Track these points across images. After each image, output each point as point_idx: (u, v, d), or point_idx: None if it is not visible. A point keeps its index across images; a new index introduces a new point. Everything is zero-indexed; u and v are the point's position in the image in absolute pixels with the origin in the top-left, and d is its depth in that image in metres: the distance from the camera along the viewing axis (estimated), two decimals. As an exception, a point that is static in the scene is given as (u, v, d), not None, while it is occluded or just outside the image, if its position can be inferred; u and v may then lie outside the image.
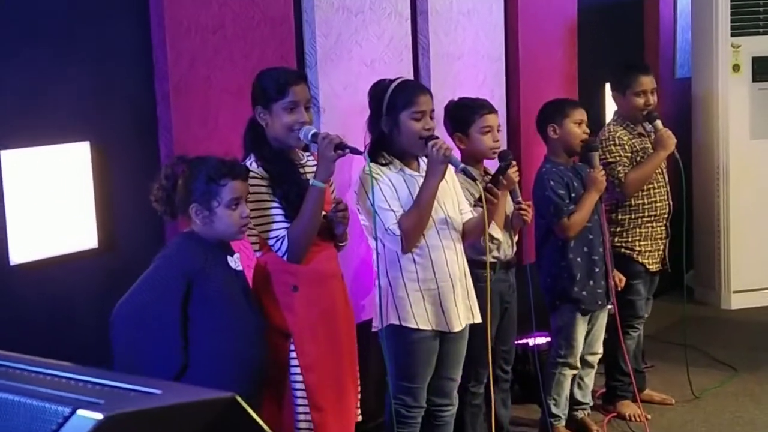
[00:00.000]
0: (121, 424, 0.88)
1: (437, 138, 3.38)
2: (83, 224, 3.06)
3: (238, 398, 0.94)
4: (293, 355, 3.08)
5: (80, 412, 0.89)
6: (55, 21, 2.99)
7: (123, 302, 2.78)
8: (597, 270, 4.14)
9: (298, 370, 3.07)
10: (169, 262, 2.81)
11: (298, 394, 3.08)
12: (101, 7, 3.12)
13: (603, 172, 4.16)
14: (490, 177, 3.71)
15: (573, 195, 4.10)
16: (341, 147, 3.03)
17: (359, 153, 3.17)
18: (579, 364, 4.25)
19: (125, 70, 3.20)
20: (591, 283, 4.13)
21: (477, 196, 3.62)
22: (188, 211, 2.83)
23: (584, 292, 4.12)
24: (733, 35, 6.09)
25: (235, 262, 2.90)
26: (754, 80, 6.14)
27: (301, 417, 3.08)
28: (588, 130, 4.18)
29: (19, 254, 2.87)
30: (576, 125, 4.14)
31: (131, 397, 0.94)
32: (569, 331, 4.18)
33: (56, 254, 2.99)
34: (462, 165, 3.45)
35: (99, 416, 0.88)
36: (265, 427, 0.98)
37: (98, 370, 1.00)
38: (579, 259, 4.12)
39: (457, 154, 3.73)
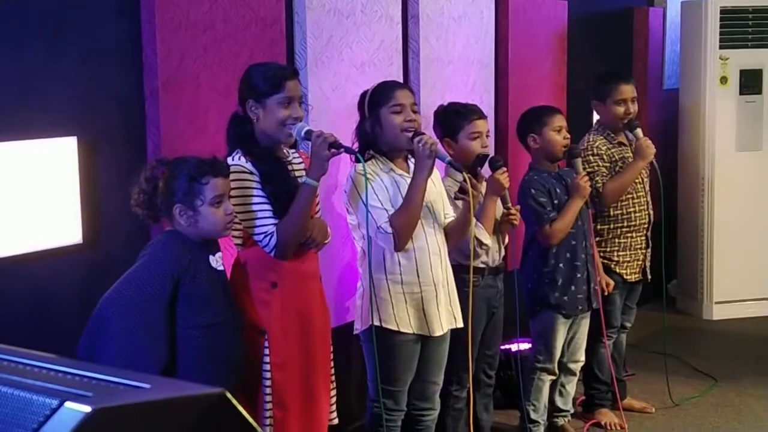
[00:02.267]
0: (110, 418, 0.87)
1: (423, 134, 3.39)
2: (68, 219, 3.04)
3: (227, 394, 0.94)
4: (266, 351, 3.07)
5: (68, 404, 0.89)
6: (45, 16, 2.98)
7: (109, 298, 2.76)
8: (579, 275, 4.14)
9: (268, 367, 3.07)
10: (156, 261, 2.80)
11: (267, 391, 3.07)
12: (92, 2, 3.11)
13: (587, 179, 4.16)
14: (470, 166, 3.69)
15: (556, 202, 4.11)
16: (336, 146, 3.03)
17: (353, 153, 3.18)
18: (557, 371, 4.26)
19: (114, 65, 3.19)
20: (572, 288, 4.14)
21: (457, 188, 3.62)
22: (172, 212, 2.82)
23: (565, 297, 4.13)
24: (721, 48, 6.13)
25: (216, 261, 2.89)
26: (741, 93, 6.18)
27: (267, 413, 3.06)
28: (569, 136, 4.17)
29: (2, 248, 2.86)
30: (556, 132, 4.13)
31: (120, 390, 0.93)
32: (549, 337, 4.18)
33: (40, 249, 2.97)
34: (448, 158, 3.47)
35: (87, 409, 0.87)
36: (253, 422, 0.98)
37: (87, 363, 0.99)
38: (561, 265, 4.12)
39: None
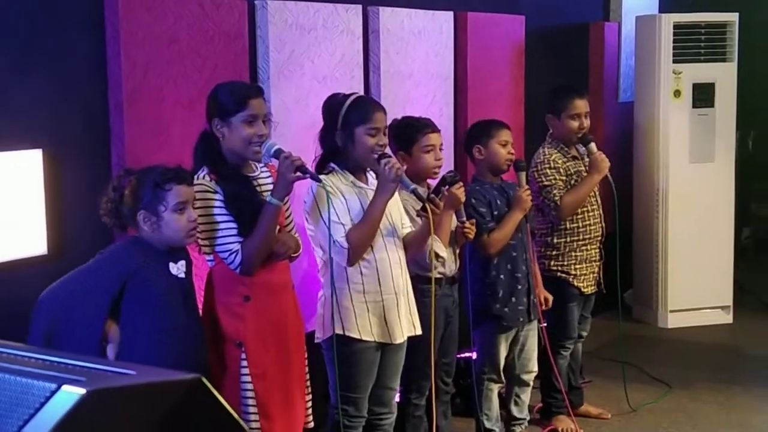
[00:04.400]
0: (102, 399, 0.98)
1: (390, 156, 3.46)
2: (33, 231, 3.09)
3: (203, 379, 1.04)
4: (244, 363, 3.13)
5: (65, 387, 0.99)
6: (11, 30, 3.02)
7: (55, 286, 2.84)
8: (519, 287, 4.21)
9: (248, 378, 3.13)
10: (107, 260, 2.88)
11: (249, 402, 3.13)
12: (56, 16, 3.16)
13: (528, 192, 4.22)
14: (433, 188, 3.80)
15: (496, 213, 4.18)
16: (302, 170, 3.08)
17: (318, 180, 3.23)
18: (503, 378, 4.32)
19: (79, 79, 3.24)
20: (513, 299, 4.20)
21: (419, 207, 3.70)
22: (136, 219, 2.88)
23: (506, 309, 4.19)
24: (674, 62, 6.26)
25: (177, 269, 2.95)
26: (694, 106, 6.31)
27: (253, 425, 3.13)
28: (513, 151, 4.25)
29: (-32, 259, 2.90)
30: (501, 146, 4.19)
31: (109, 376, 1.04)
32: (492, 349, 4.25)
33: (5, 260, 3.01)
34: (413, 186, 3.54)
35: (82, 391, 0.97)
36: (227, 405, 1.07)
37: (78, 355, 1.09)
38: (502, 276, 4.18)
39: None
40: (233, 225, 3.10)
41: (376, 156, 3.43)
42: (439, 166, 3.93)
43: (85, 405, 0.95)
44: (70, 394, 0.96)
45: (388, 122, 4.00)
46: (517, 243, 4.21)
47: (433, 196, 3.63)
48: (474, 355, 4.44)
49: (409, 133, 3.94)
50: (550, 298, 4.49)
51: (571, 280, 4.58)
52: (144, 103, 3.36)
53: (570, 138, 4.58)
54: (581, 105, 4.59)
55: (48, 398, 0.96)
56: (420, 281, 3.77)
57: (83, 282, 2.83)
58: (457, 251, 4.05)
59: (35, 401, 0.96)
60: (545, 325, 4.47)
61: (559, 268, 4.57)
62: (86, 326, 2.80)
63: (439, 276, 3.91)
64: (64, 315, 2.80)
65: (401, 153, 3.94)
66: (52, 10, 3.14)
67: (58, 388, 0.98)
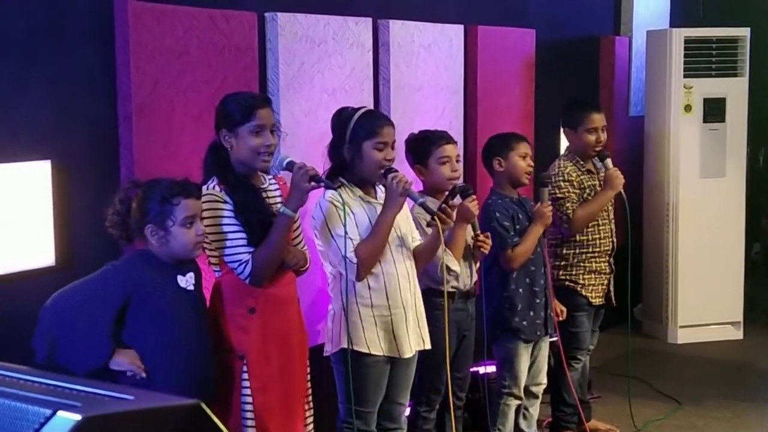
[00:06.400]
0: (98, 425, 0.96)
1: (397, 171, 3.46)
2: (41, 242, 3.08)
3: (203, 405, 1.03)
4: (245, 376, 3.11)
5: (60, 413, 0.97)
6: (20, 40, 3.02)
7: (59, 295, 2.83)
8: (538, 301, 4.21)
9: (249, 391, 3.11)
10: (113, 272, 2.87)
11: (248, 415, 3.11)
12: (66, 26, 3.16)
13: (550, 207, 4.25)
14: (443, 198, 3.78)
15: (517, 227, 4.18)
16: (316, 179, 3.09)
17: (333, 187, 3.23)
18: (523, 395, 4.32)
19: (89, 90, 3.24)
20: (531, 313, 4.20)
21: (428, 219, 3.68)
22: (144, 233, 2.87)
23: (524, 322, 4.19)
24: (685, 76, 6.24)
25: (186, 281, 2.94)
26: (704, 121, 6.29)
27: None
28: (532, 164, 4.26)
29: (-24, 270, 2.89)
30: (521, 158, 4.21)
31: (106, 401, 1.02)
32: (512, 362, 4.24)
33: (13, 271, 3.01)
34: (421, 199, 3.53)
35: (77, 417, 0.96)
36: (225, 430, 1.06)
37: (75, 378, 1.08)
38: (521, 290, 4.19)
39: (416, 186, 3.81)
40: (243, 235, 3.09)
41: (382, 171, 3.43)
42: (456, 178, 3.93)
43: (80, 431, 0.92)
44: (66, 419, 0.94)
45: (403, 136, 4.02)
46: (536, 257, 4.22)
47: (444, 206, 3.61)
48: (481, 370, 4.42)
49: (425, 145, 3.95)
50: (564, 310, 4.49)
51: (579, 289, 4.58)
52: (153, 115, 3.36)
53: (586, 151, 4.60)
54: (598, 119, 4.60)
55: (43, 424, 0.94)
56: (433, 295, 3.76)
57: (87, 293, 2.83)
58: (475, 266, 4.03)
59: (29, 427, 0.94)
60: (557, 338, 4.45)
61: (567, 277, 4.57)
62: (90, 338, 2.80)
63: (452, 290, 3.90)
64: (66, 325, 2.80)
65: (418, 166, 3.95)
66: (61, 22, 3.14)
67: (54, 413, 0.96)
